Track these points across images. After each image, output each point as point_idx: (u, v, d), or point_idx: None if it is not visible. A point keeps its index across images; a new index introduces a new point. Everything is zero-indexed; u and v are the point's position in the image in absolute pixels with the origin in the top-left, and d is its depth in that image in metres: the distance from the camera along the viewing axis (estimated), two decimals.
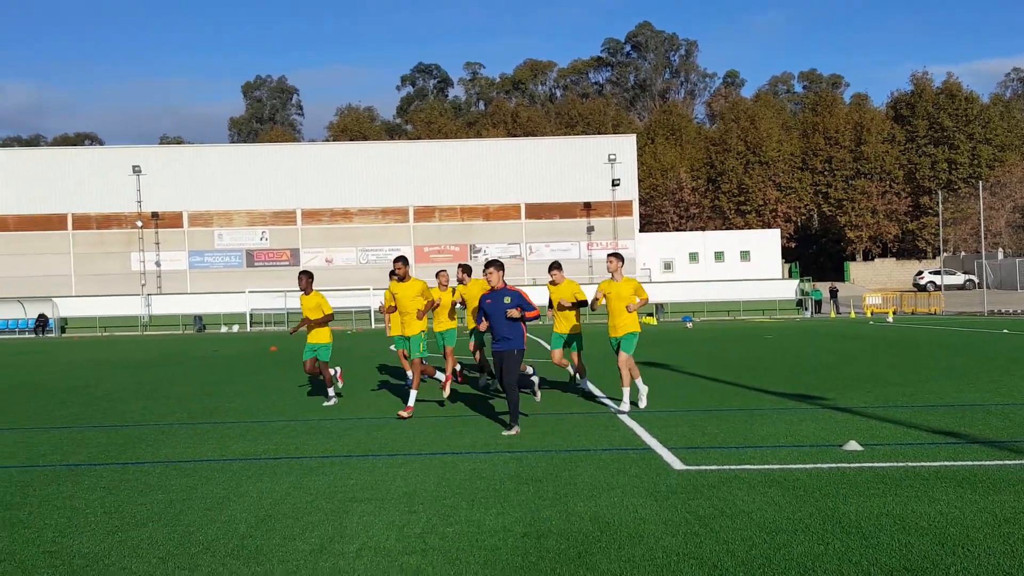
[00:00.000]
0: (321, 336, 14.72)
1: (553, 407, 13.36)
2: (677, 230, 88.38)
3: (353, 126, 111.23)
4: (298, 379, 19.07)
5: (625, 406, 12.56)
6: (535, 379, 13.77)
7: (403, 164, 72.89)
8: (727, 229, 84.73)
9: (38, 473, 9.24)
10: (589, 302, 13.34)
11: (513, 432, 10.80)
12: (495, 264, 11.35)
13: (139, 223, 70.03)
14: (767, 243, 74.70)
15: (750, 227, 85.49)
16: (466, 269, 15.80)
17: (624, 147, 73.42)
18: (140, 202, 69.95)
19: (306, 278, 14.84)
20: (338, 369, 15.13)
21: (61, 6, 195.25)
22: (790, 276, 74.06)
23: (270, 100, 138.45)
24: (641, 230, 79.16)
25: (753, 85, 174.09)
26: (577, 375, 14.81)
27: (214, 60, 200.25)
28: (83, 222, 70.96)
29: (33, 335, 61.50)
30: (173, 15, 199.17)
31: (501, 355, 11.14)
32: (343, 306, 61.41)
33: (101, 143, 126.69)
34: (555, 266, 14.11)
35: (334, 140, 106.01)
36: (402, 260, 13.06)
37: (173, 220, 71.41)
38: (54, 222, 70.76)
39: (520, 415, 11.62)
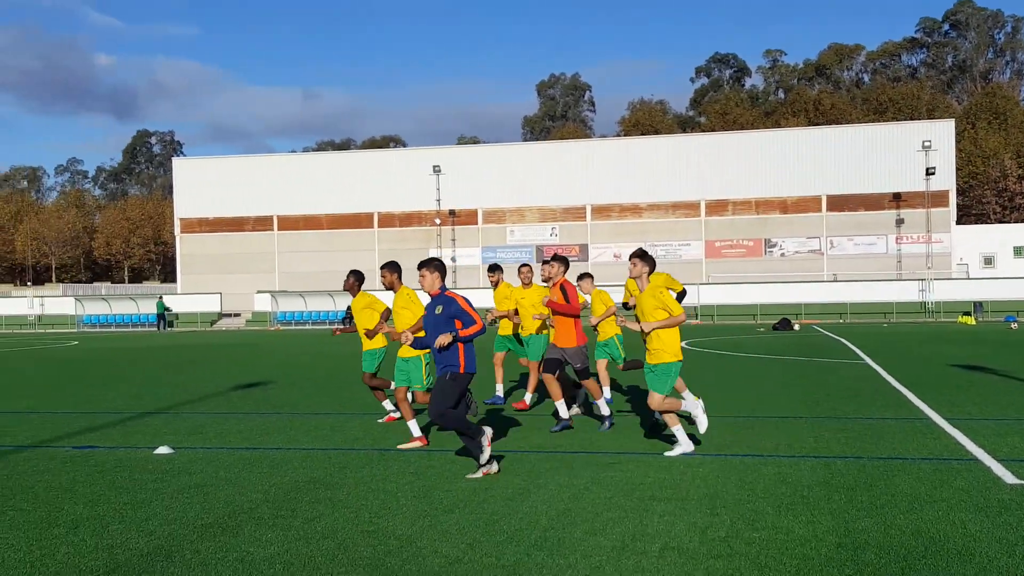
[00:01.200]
0: (370, 342, 12.42)
1: (864, 411, 12.69)
2: (1000, 222, 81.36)
3: (645, 120, 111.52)
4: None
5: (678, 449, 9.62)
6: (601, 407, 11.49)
7: (695, 157, 72.19)
8: None
9: (354, 456, 9.97)
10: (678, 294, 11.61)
11: (479, 475, 8.55)
12: (427, 264, 8.98)
13: (437, 220, 74.12)
14: None
15: None
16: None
17: (940, 133, 68.57)
18: (439, 200, 73.96)
19: (353, 278, 12.47)
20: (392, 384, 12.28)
21: (370, 16, 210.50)
22: None
23: (563, 97, 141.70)
24: (958, 222, 73.60)
25: None
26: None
27: (511, 61, 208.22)
28: (387, 220, 76.09)
29: (342, 325, 66.68)
30: (473, 18, 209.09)
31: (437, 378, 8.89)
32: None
33: (404, 145, 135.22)
34: (636, 255, 10.35)
35: (625, 135, 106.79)
36: (387, 267, 11.07)
37: (468, 217, 74.91)
38: (362, 220, 76.39)
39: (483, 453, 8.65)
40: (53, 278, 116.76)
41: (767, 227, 70.66)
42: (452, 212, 74.27)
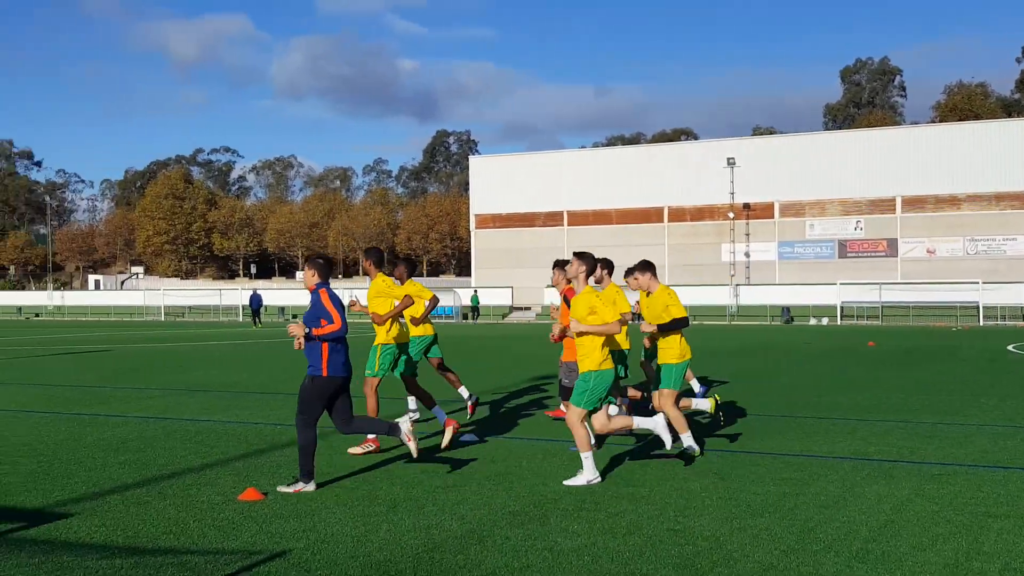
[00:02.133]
0: (415, 329, 11.54)
1: None
2: None
3: (963, 104, 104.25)
4: (887, 378, 18.27)
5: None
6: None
7: (1021, 143, 66.38)
8: None
9: (646, 452, 9.98)
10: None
11: (291, 490, 8.03)
12: (307, 260, 8.54)
13: (731, 214, 72.78)
14: None
15: None
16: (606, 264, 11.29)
17: None
18: (733, 193, 72.59)
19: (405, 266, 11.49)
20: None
21: (662, 8, 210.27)
22: None
23: (870, 83, 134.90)
24: None
25: None
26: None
27: (811, 46, 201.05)
28: (678, 214, 75.69)
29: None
30: (770, 4, 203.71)
31: None
32: (946, 300, 57.70)
33: (696, 137, 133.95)
34: (575, 254, 8.92)
35: (940, 121, 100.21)
36: (368, 252, 10.57)
37: (763, 211, 73.01)
38: (651, 215, 76.48)
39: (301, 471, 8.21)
40: (360, 272, 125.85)
41: None
42: (746, 205, 72.70)
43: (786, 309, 64.07)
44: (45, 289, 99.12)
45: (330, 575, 5.75)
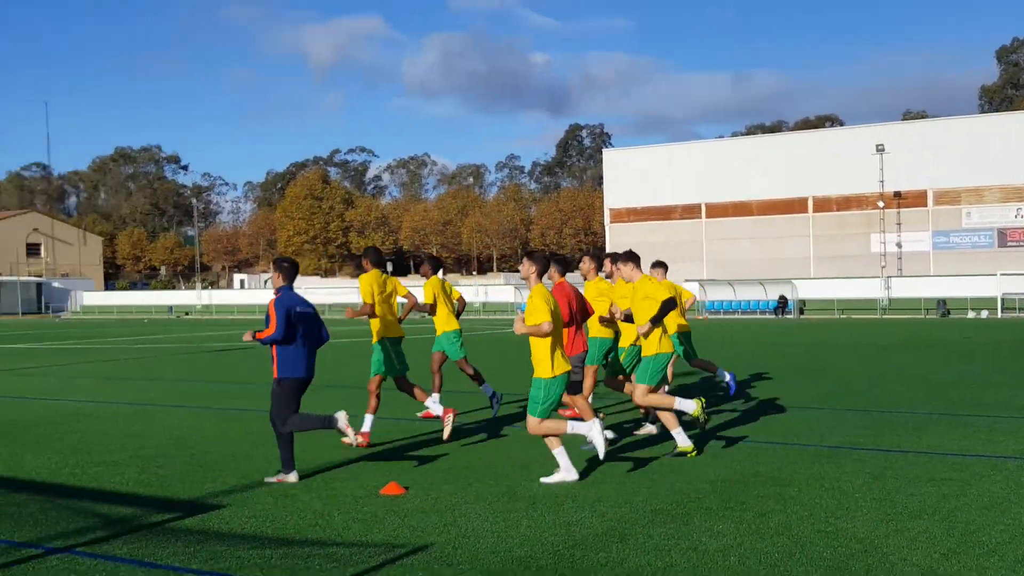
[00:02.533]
0: (444, 325, 12.49)
1: None
2: None
3: None
4: None
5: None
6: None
7: None
8: None
9: (800, 452, 9.74)
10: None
11: (275, 480, 8.64)
12: (274, 263, 9.05)
13: (880, 203, 70.41)
14: None
15: None
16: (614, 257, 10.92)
17: None
18: (882, 181, 70.20)
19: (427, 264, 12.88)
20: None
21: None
22: None
23: None
24: None
25: None
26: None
27: (964, 26, 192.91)
28: (823, 204, 73.64)
29: (773, 316, 65.57)
30: None
31: None
32: None
33: (842, 124, 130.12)
34: (526, 254, 9.17)
35: None
36: (365, 252, 11.13)
37: (916, 199, 70.38)
38: (795, 205, 74.63)
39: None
40: (494, 268, 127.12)
41: None
42: (897, 194, 70.17)
43: (942, 302, 61.55)
44: (194, 288, 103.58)
45: (472, 570, 5.83)
